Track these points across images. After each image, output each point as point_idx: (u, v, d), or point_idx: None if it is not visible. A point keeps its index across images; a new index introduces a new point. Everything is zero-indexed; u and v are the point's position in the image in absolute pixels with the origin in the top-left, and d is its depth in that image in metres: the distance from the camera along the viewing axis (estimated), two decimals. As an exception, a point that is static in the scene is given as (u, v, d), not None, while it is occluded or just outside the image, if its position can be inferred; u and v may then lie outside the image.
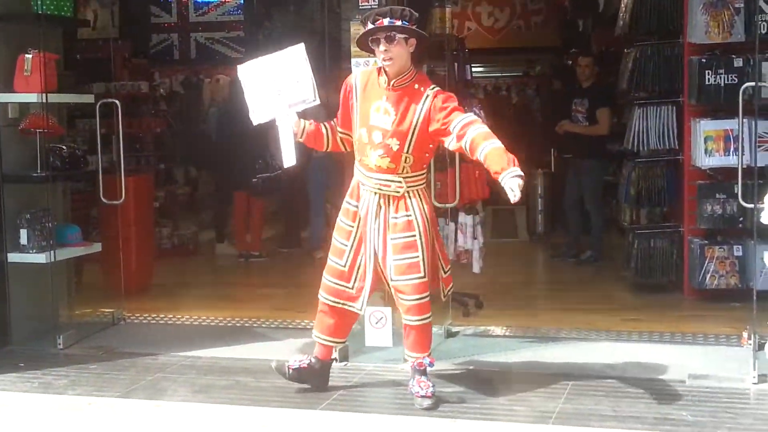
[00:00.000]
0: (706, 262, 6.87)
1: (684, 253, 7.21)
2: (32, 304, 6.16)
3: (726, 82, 6.71)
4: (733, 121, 6.40)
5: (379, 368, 5.34)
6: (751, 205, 5.31)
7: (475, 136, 4.55)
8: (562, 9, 14.54)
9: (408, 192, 4.76)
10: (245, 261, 9.37)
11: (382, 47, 4.68)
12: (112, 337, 6.37)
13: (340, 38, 5.72)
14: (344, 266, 4.87)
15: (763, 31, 6.49)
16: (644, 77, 7.25)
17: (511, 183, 4.37)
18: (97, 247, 6.63)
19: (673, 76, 7.17)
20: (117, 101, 6.65)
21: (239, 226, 9.66)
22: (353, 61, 5.55)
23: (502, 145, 4.52)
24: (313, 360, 5.03)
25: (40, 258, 5.97)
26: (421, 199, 4.80)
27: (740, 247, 6.84)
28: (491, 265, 7.25)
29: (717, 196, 6.85)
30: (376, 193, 4.77)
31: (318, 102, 4.81)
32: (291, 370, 5.00)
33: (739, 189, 5.55)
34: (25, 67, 5.84)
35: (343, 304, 4.90)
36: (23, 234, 5.97)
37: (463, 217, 6.61)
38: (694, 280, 7.00)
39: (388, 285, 4.86)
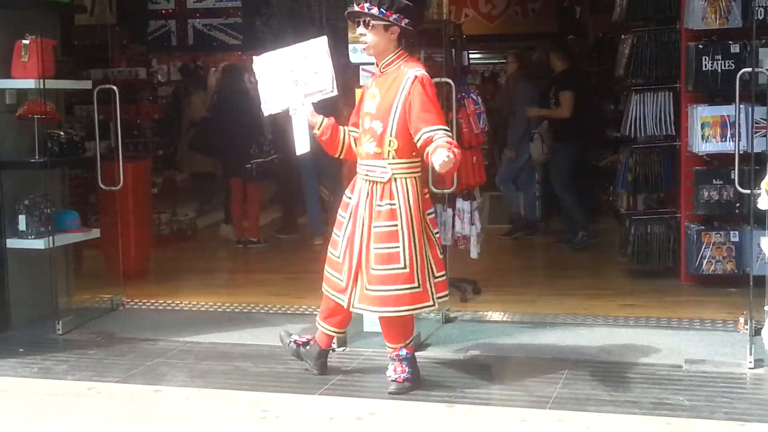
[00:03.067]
0: (703, 247, 6.88)
1: (681, 239, 7.23)
2: (31, 290, 6.18)
3: (723, 68, 6.70)
4: (729, 107, 6.42)
5: (377, 353, 5.34)
6: (748, 191, 5.33)
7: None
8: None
9: (395, 179, 4.63)
10: (244, 247, 9.38)
11: (359, 30, 4.71)
12: (111, 322, 6.39)
13: (338, 24, 5.70)
14: (338, 257, 4.85)
15: (760, 17, 6.48)
16: (641, 63, 7.24)
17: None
18: (95, 233, 6.64)
19: (670, 62, 7.17)
20: (114, 87, 6.65)
21: (236, 212, 9.67)
22: (350, 47, 5.54)
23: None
24: (312, 343, 5.07)
25: (39, 244, 5.99)
26: (408, 189, 4.63)
27: (737, 232, 6.86)
28: (489, 250, 7.28)
29: (714, 181, 6.85)
30: (366, 180, 4.74)
31: (336, 93, 4.82)
32: (295, 344, 5.05)
33: (735, 175, 5.59)
34: (23, 53, 5.84)
35: (335, 296, 4.88)
36: (22, 220, 5.98)
37: (460, 203, 6.62)
38: (690, 266, 7.02)
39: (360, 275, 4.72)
